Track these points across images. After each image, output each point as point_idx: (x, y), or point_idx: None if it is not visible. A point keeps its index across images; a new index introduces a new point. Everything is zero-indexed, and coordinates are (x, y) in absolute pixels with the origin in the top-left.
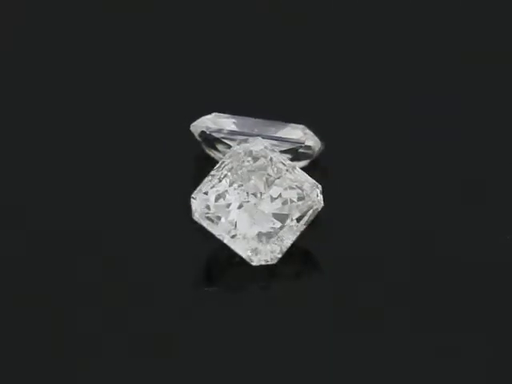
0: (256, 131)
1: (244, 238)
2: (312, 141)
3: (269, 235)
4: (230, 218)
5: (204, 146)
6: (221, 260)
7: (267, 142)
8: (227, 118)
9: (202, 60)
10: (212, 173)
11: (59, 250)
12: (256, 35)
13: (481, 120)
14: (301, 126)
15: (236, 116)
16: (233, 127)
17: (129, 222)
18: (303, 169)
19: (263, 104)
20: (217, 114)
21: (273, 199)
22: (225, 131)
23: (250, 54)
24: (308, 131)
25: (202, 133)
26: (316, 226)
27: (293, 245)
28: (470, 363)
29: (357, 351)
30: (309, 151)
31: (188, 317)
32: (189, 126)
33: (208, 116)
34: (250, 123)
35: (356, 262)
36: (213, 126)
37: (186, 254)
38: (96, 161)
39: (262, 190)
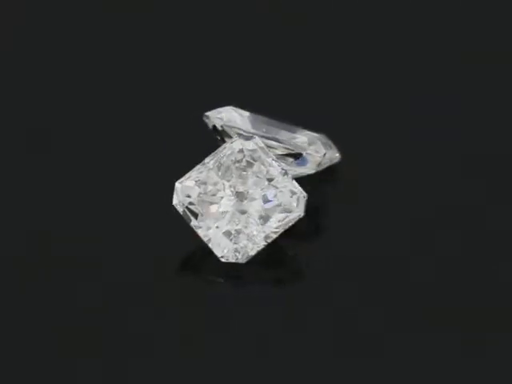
0: (264, 131)
1: (219, 233)
2: (319, 150)
3: (245, 234)
4: (209, 212)
5: (216, 137)
6: (202, 255)
7: (264, 143)
8: (241, 113)
9: (230, 52)
10: (205, 161)
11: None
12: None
13: (481, 120)
14: (310, 134)
15: (251, 113)
16: (242, 123)
17: (130, 210)
18: (310, 175)
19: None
20: (233, 107)
21: (258, 200)
22: (234, 127)
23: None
24: (318, 140)
25: (214, 125)
26: (309, 229)
27: (279, 247)
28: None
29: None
30: (314, 159)
31: (160, 314)
32: (204, 113)
33: (223, 108)
34: (260, 122)
35: (344, 265)
36: (225, 119)
37: (173, 245)
38: (102, 152)
39: (249, 189)
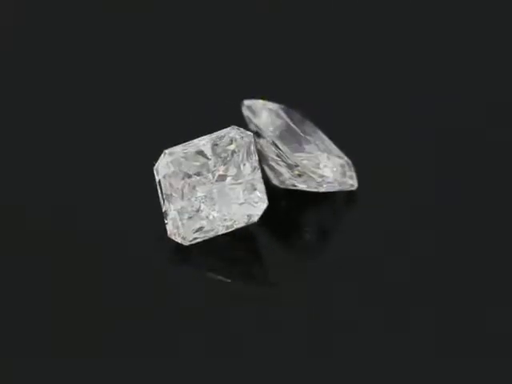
0: (276, 133)
1: (180, 210)
2: (321, 173)
3: (202, 220)
4: (182, 187)
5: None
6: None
7: (271, 146)
8: (274, 110)
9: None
10: (202, 137)
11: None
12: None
13: (481, 120)
14: (330, 156)
15: (282, 113)
16: (265, 120)
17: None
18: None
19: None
20: (268, 103)
21: (229, 191)
22: (257, 123)
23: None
24: (331, 164)
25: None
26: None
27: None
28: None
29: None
30: (314, 180)
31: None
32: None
33: (260, 102)
34: (281, 126)
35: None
36: (254, 110)
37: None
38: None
39: (227, 179)
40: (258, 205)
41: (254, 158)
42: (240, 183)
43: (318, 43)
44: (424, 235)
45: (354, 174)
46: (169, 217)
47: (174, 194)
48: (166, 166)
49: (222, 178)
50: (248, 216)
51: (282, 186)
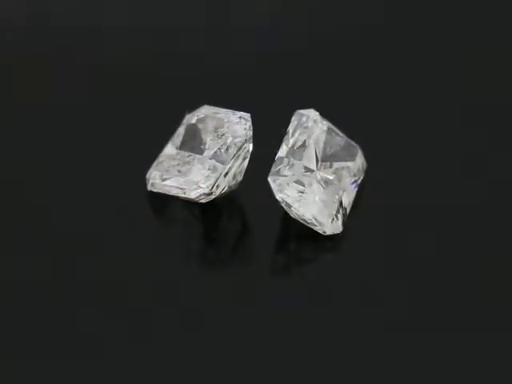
0: (291, 152)
1: (172, 153)
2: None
3: (178, 167)
4: (187, 139)
5: None
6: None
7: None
8: (318, 134)
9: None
10: (233, 111)
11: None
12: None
13: (481, 119)
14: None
15: (329, 142)
16: (297, 134)
17: None
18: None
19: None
20: (332, 128)
21: (203, 160)
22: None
23: None
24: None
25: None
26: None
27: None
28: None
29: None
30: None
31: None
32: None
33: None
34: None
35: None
36: (298, 121)
37: None
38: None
39: (203, 150)
40: (204, 188)
41: (232, 151)
42: (210, 162)
43: (317, 40)
44: (424, 236)
45: (333, 225)
46: (160, 158)
47: (181, 138)
48: (192, 118)
49: (209, 149)
50: (193, 190)
51: None
